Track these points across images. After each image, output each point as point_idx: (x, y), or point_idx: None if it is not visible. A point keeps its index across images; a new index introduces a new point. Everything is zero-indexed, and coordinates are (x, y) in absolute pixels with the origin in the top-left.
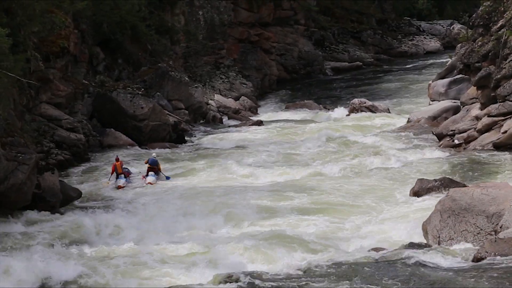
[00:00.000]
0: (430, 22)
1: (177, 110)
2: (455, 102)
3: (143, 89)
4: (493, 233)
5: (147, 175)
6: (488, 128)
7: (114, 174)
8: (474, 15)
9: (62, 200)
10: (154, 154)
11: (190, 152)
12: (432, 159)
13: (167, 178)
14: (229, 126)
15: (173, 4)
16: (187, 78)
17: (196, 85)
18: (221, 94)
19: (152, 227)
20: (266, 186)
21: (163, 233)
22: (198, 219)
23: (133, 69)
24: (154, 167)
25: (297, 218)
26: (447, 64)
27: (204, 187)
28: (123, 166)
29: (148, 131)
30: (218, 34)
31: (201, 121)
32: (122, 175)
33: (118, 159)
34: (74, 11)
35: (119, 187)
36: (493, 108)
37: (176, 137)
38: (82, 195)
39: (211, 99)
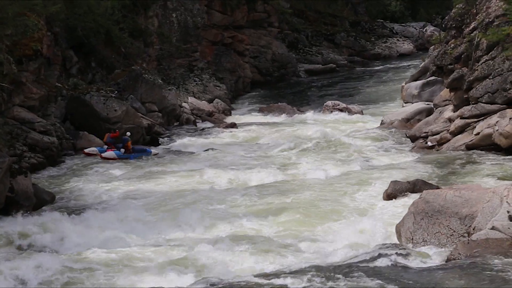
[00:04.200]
0: (403, 24)
1: (151, 112)
2: (428, 104)
3: (116, 92)
4: (466, 235)
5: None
6: (461, 130)
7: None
8: (446, 18)
9: (36, 203)
10: (128, 133)
11: (163, 155)
12: (405, 161)
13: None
14: (203, 129)
15: (146, 7)
16: (160, 81)
17: (169, 88)
18: (194, 97)
19: (125, 231)
20: (240, 189)
21: (134, 237)
22: (170, 223)
23: (106, 72)
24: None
25: (269, 221)
26: (420, 66)
27: (176, 190)
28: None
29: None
30: (191, 37)
31: (175, 124)
32: (105, 146)
33: (116, 130)
34: (47, 14)
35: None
36: (465, 110)
37: (150, 139)
38: (56, 199)
39: (184, 102)
